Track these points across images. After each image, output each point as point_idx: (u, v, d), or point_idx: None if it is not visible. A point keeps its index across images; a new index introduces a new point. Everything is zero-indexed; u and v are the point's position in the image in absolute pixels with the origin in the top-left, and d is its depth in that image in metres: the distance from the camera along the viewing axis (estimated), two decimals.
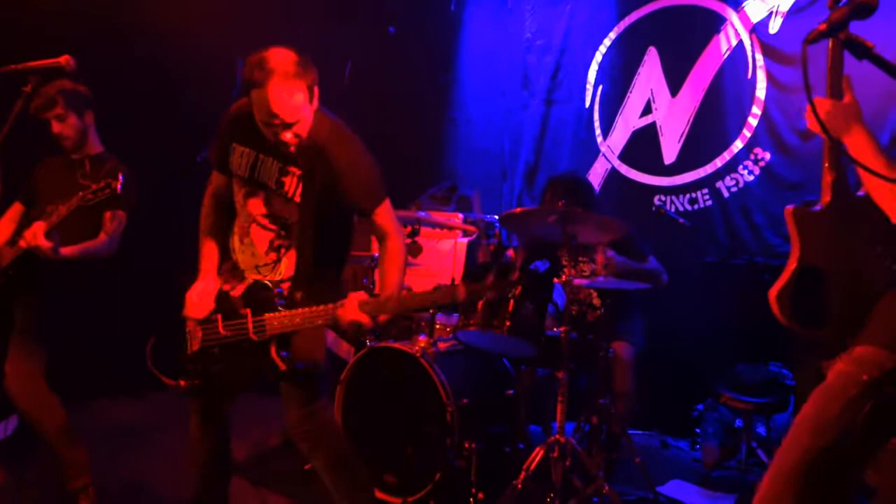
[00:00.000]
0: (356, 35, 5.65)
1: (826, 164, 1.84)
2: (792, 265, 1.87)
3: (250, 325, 2.19)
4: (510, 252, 3.87)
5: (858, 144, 1.70)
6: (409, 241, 3.62)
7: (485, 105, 5.69)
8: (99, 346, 3.87)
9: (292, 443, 2.44)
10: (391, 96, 5.73)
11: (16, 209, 3.16)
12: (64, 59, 2.36)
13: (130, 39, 4.51)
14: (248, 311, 2.21)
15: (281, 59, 2.04)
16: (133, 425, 3.96)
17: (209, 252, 2.37)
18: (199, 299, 2.26)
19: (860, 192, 1.82)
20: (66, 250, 2.81)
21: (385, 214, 2.29)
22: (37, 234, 2.71)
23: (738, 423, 3.73)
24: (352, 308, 2.05)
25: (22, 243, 2.74)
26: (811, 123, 1.75)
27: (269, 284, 2.24)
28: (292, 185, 2.26)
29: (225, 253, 2.42)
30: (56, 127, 3.01)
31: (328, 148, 2.21)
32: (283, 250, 2.31)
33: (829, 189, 1.84)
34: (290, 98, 2.05)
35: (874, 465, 2.34)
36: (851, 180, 1.85)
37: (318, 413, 2.35)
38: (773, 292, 1.86)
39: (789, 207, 1.91)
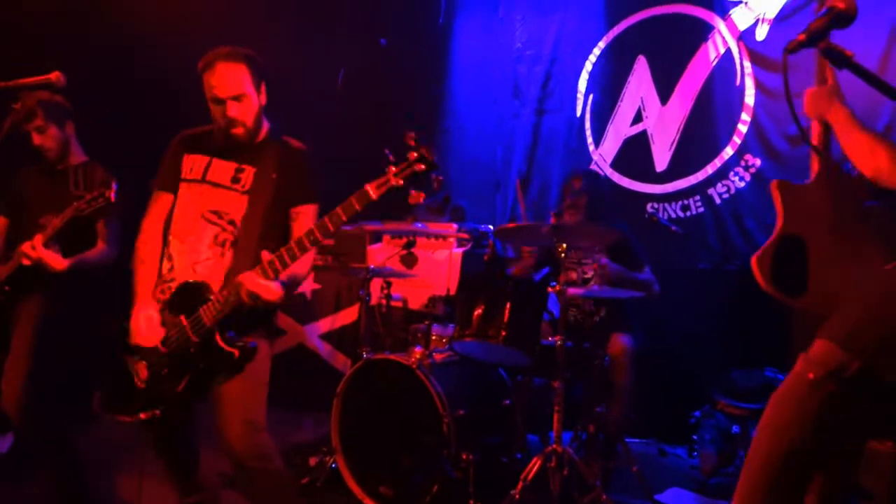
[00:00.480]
0: (348, 48, 5.68)
1: (814, 144, 1.94)
2: (775, 233, 1.93)
3: (188, 329, 2.20)
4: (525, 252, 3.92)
5: (839, 117, 1.81)
6: (404, 252, 3.64)
7: (476, 115, 5.72)
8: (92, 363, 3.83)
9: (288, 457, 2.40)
10: (383, 108, 5.74)
11: (1, 223, 3.14)
12: (55, 76, 2.35)
13: (130, 45, 4.54)
14: (182, 316, 2.22)
15: (224, 47, 2.32)
16: (136, 441, 3.89)
17: (146, 277, 2.36)
18: (148, 325, 2.26)
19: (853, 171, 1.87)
20: (64, 261, 2.81)
21: (313, 216, 2.39)
22: (36, 247, 2.71)
23: (735, 429, 3.73)
24: (249, 276, 2.12)
25: (25, 261, 2.73)
26: (808, 110, 1.90)
27: (191, 281, 2.25)
28: (248, 179, 2.36)
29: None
30: (37, 139, 3.00)
31: (283, 142, 2.44)
32: (227, 244, 2.32)
33: (815, 161, 1.94)
34: (232, 74, 2.28)
35: (867, 466, 2.35)
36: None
37: (265, 434, 2.29)
38: (754, 257, 1.90)
39: (774, 181, 1.99)
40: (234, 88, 2.28)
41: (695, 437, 3.99)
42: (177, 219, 2.40)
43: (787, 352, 3.55)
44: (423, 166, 2.04)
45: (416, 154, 2.04)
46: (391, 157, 2.06)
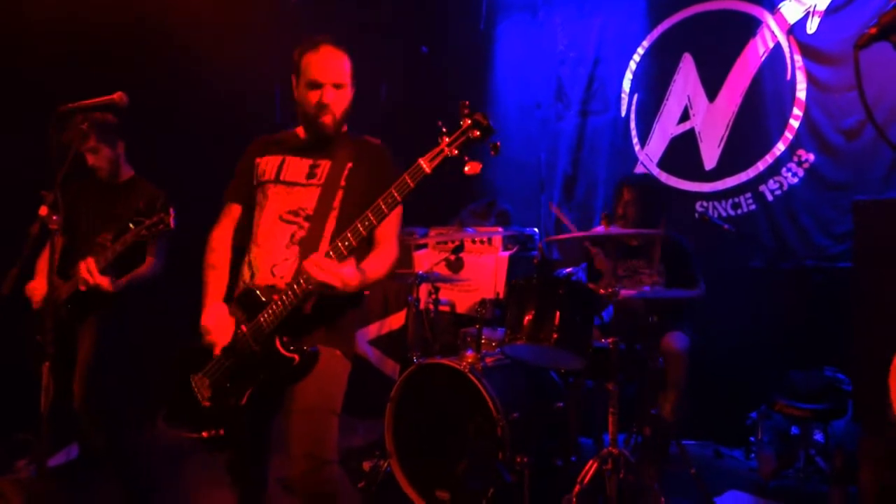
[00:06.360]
0: (389, 57, 5.74)
1: None
2: None
3: (249, 337, 2.11)
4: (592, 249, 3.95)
5: None
6: (452, 257, 3.65)
7: (520, 118, 5.72)
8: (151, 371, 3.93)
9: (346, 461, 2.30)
10: (426, 114, 5.76)
11: (57, 240, 3.24)
12: (117, 96, 2.41)
13: (178, 70, 4.67)
14: (243, 325, 2.14)
15: (331, 35, 2.27)
16: (185, 448, 3.97)
17: (216, 280, 2.26)
18: (219, 323, 2.16)
19: None
20: (119, 281, 2.90)
21: (396, 214, 2.23)
22: (92, 272, 2.80)
23: (794, 430, 3.65)
24: (313, 258, 1.97)
25: (82, 286, 2.84)
26: None
27: (250, 287, 2.16)
28: (324, 173, 2.25)
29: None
30: (91, 160, 3.11)
31: (360, 139, 2.35)
32: (304, 241, 2.19)
33: None
34: (338, 61, 2.23)
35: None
36: None
37: (331, 466, 2.12)
38: None
39: None
40: (337, 76, 2.22)
41: (752, 438, 3.92)
42: (255, 225, 2.29)
43: (844, 351, 3.47)
44: (478, 133, 1.87)
45: (469, 121, 1.87)
46: (444, 128, 1.90)
